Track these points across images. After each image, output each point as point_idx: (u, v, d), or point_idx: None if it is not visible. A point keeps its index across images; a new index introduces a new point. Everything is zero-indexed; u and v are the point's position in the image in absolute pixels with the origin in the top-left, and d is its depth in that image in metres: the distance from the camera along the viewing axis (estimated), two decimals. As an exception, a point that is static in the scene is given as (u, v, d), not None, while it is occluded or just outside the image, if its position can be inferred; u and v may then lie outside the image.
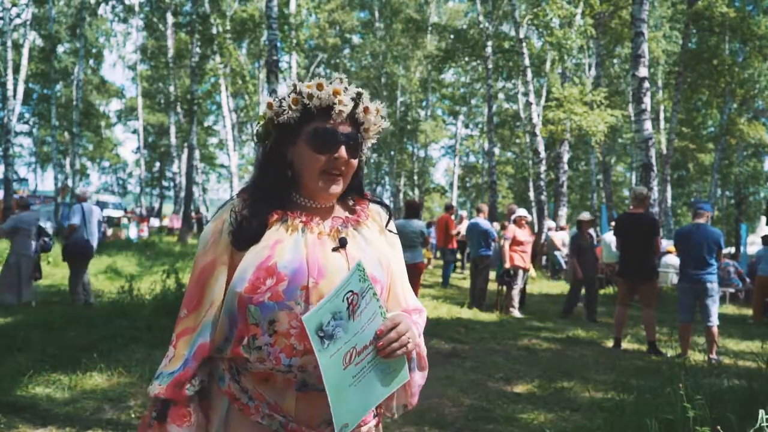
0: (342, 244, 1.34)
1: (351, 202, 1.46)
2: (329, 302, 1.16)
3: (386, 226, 1.48)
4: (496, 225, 12.14)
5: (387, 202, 1.52)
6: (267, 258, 1.28)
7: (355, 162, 1.37)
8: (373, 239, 1.42)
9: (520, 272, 9.02)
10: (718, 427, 2.53)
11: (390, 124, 1.70)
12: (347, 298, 1.17)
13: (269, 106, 1.37)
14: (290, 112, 1.34)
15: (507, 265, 8.94)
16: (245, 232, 1.31)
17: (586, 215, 9.43)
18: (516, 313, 8.84)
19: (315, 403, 1.29)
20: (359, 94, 1.36)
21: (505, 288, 9.18)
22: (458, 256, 15.23)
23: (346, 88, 1.35)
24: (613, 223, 9.77)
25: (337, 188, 1.36)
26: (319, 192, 1.36)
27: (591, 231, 9.49)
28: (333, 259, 1.31)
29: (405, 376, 1.28)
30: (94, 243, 8.15)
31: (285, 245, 1.30)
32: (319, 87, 1.33)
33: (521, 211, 9.26)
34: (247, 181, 1.49)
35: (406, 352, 1.29)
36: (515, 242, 8.95)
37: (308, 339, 1.19)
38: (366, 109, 1.37)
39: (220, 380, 1.32)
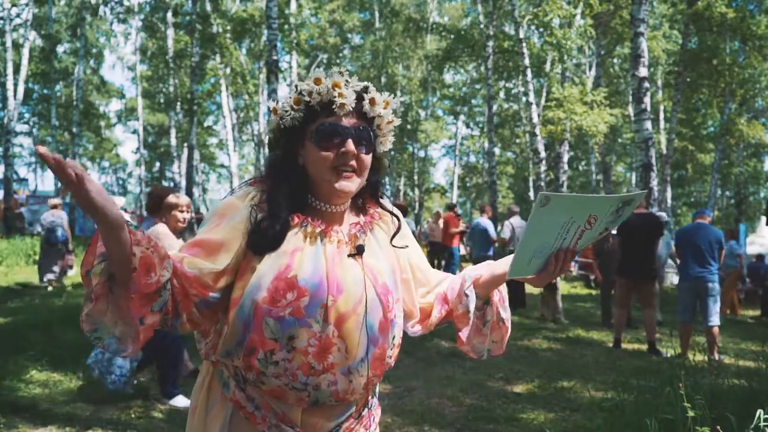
0: (359, 251, 1.31)
1: (361, 202, 1.41)
2: (608, 201, 1.26)
3: (391, 240, 1.41)
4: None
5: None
6: (286, 268, 1.23)
7: (367, 158, 1.31)
8: (385, 243, 1.40)
9: None
10: (718, 427, 2.53)
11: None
12: (613, 212, 1.29)
13: (274, 111, 1.33)
14: (292, 112, 1.29)
15: None
16: (266, 237, 1.24)
17: None
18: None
19: (322, 413, 1.28)
20: (365, 88, 1.31)
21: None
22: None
23: (347, 81, 1.29)
24: None
25: (350, 185, 1.29)
26: (332, 192, 1.29)
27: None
28: (350, 271, 1.28)
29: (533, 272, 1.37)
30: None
31: (304, 255, 1.25)
32: (317, 82, 1.28)
33: None
34: (257, 174, 1.42)
35: (555, 276, 1.37)
36: None
37: (327, 359, 1.23)
38: (372, 101, 1.30)
39: (225, 387, 1.29)
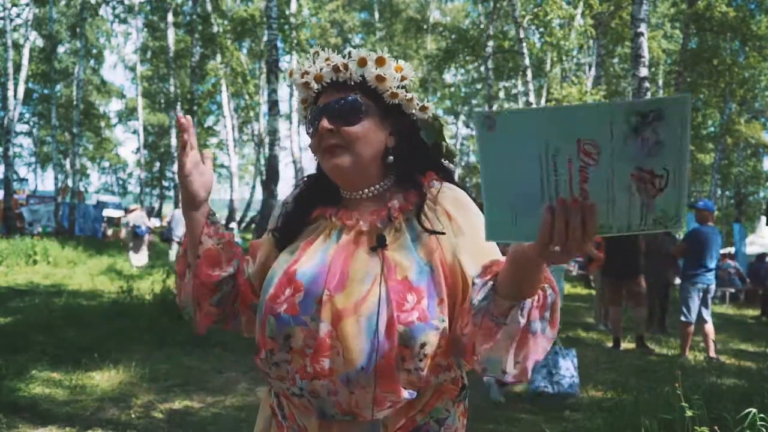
0: (380, 244, 1.12)
1: (409, 185, 1.19)
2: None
3: (423, 227, 1.14)
4: None
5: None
6: (294, 261, 1.15)
7: (354, 129, 1.14)
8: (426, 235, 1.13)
9: None
10: (716, 428, 2.54)
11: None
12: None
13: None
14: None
15: None
16: (282, 231, 1.24)
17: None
18: None
19: (338, 430, 1.12)
20: (345, 57, 1.18)
21: None
22: None
23: (315, 55, 1.20)
24: None
25: (338, 161, 1.15)
26: (330, 173, 1.19)
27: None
28: (363, 265, 1.10)
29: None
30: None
31: (315, 247, 1.16)
32: (290, 74, 1.23)
33: None
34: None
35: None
36: None
37: (320, 362, 1.07)
38: (336, 68, 1.16)
39: (271, 393, 1.26)
